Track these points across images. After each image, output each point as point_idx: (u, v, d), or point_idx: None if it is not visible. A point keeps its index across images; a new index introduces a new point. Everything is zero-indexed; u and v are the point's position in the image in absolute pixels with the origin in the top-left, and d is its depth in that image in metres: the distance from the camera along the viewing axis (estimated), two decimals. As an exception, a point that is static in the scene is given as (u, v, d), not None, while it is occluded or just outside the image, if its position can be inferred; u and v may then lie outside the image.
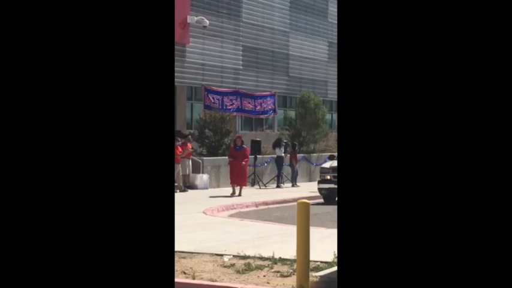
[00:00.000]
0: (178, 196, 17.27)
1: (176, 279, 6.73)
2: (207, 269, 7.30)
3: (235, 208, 15.33)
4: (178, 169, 19.04)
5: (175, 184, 18.87)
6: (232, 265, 7.48)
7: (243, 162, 18.48)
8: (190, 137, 20.87)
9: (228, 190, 18.91)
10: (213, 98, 24.15)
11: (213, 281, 6.74)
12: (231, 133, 22.57)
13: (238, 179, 18.40)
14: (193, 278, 6.86)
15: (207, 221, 12.56)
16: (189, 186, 19.64)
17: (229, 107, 24.76)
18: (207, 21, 23.33)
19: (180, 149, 19.48)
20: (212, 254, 8.21)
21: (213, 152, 21.96)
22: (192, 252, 8.26)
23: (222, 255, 8.09)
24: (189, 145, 20.12)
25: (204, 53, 24.13)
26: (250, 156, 21.37)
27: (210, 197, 17.34)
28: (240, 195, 18.09)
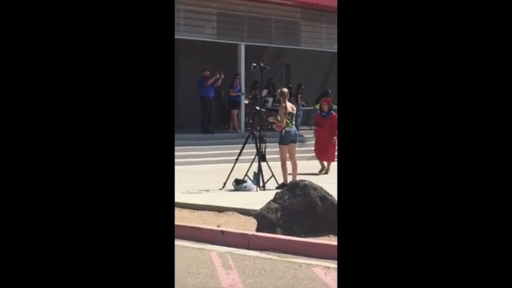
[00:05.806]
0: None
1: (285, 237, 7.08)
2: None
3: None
4: None
5: None
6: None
7: (331, 133, 13.92)
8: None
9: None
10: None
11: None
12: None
13: (323, 153, 14.25)
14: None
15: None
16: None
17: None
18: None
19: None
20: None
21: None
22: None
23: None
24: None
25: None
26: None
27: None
28: (326, 172, 14.04)
